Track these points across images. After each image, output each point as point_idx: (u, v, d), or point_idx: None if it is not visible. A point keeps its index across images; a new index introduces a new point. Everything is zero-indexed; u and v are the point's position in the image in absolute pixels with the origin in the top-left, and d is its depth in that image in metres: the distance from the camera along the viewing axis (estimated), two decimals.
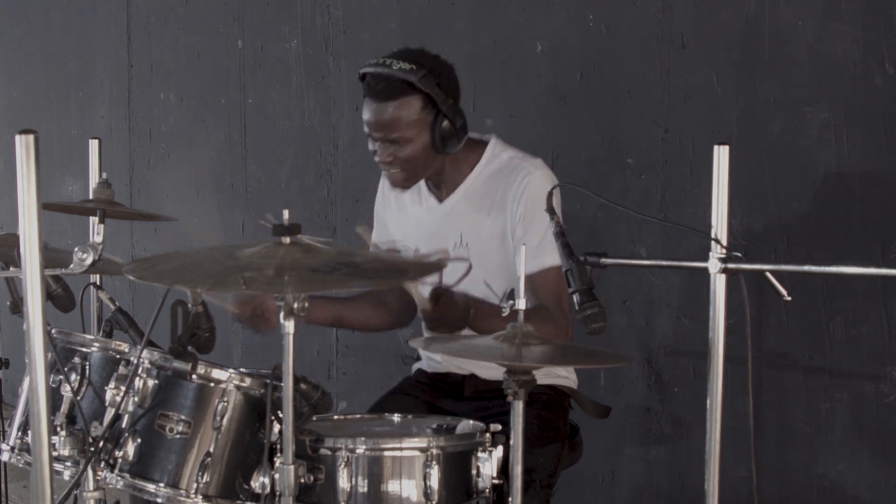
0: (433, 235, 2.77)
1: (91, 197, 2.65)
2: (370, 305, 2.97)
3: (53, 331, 2.33)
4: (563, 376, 2.84)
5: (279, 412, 2.15)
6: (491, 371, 2.75)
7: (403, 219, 2.89)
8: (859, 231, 2.94)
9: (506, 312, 2.26)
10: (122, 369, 2.24)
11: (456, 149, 2.67)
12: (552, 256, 2.56)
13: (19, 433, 2.35)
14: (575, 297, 2.21)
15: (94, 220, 2.51)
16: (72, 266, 2.20)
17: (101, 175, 2.76)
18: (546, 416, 2.68)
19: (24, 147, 1.51)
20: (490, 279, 2.64)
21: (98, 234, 2.46)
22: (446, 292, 2.53)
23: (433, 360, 2.92)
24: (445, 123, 2.61)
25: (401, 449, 2.23)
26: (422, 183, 2.82)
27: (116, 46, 5.48)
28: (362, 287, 2.71)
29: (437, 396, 2.84)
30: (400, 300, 2.90)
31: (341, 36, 4.28)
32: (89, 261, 2.20)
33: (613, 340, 3.31)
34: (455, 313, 2.51)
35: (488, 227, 2.73)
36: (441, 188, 2.81)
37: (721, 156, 2.05)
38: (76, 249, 2.20)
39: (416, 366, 3.01)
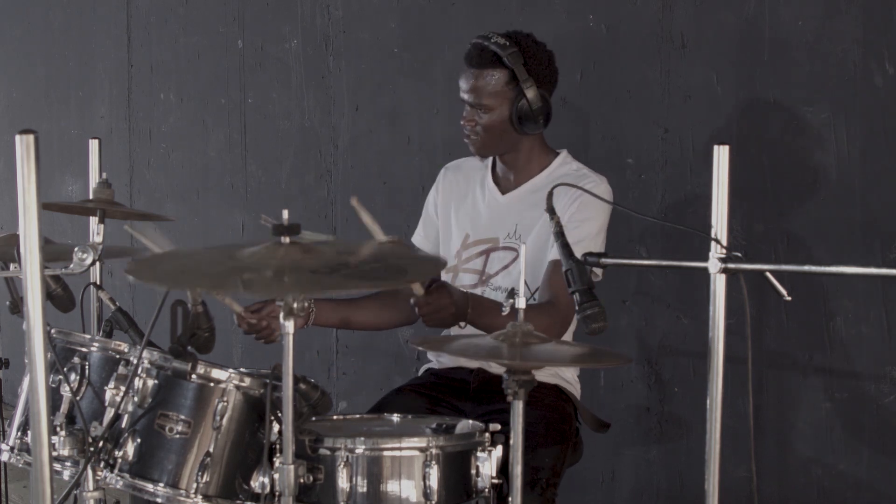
0: (489, 223, 2.91)
1: (91, 197, 2.65)
2: (377, 305, 3.01)
3: (53, 331, 2.33)
4: (568, 381, 2.85)
5: (279, 412, 2.15)
6: (497, 366, 2.76)
7: (465, 207, 2.98)
8: (859, 231, 2.94)
9: (506, 311, 2.26)
10: (121, 369, 2.24)
11: (534, 131, 2.82)
12: (582, 245, 2.64)
13: (19, 433, 2.35)
14: (575, 297, 2.21)
15: (94, 220, 2.51)
16: (72, 266, 2.20)
17: (101, 175, 2.76)
18: (552, 417, 2.70)
19: (24, 147, 1.51)
20: (528, 276, 2.66)
21: (98, 234, 2.46)
22: (442, 284, 2.55)
23: (441, 354, 2.93)
24: (523, 102, 2.77)
25: (400, 449, 2.23)
26: (488, 174, 2.96)
27: (116, 46, 5.48)
28: (361, 289, 2.71)
29: (442, 394, 2.85)
30: (407, 298, 2.92)
31: (341, 36, 4.28)
32: (89, 261, 2.20)
33: (613, 340, 3.31)
34: (450, 305, 2.54)
35: (540, 225, 2.80)
36: (507, 181, 2.92)
37: (721, 156, 2.05)
38: (76, 249, 2.20)
39: (426, 366, 3.01)
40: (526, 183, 2.90)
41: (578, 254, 2.58)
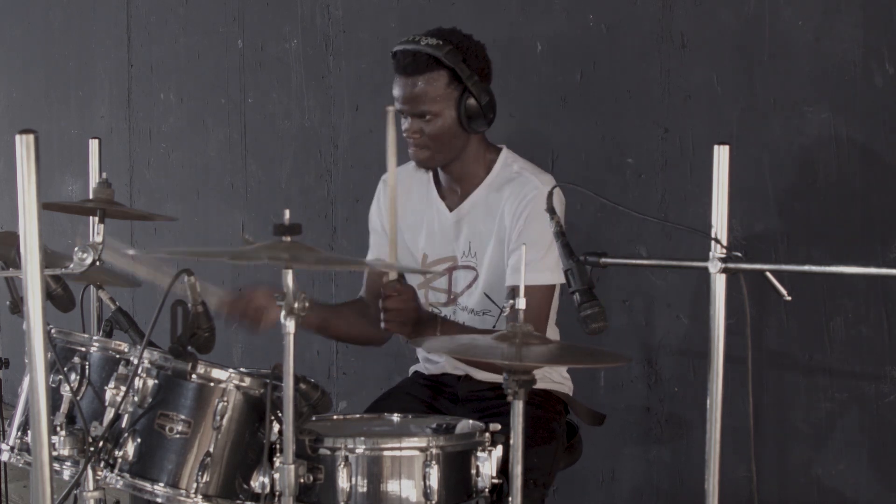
0: (443, 241, 2.80)
1: (91, 197, 2.64)
2: (354, 314, 2.92)
3: (53, 330, 2.33)
4: (557, 382, 2.84)
5: (279, 412, 2.15)
6: (485, 372, 2.75)
7: (415, 225, 2.86)
8: (859, 231, 2.94)
9: (506, 313, 2.25)
10: (121, 369, 2.24)
11: (483, 128, 2.69)
12: (543, 275, 2.60)
13: (19, 433, 2.35)
14: (575, 297, 2.21)
15: (94, 219, 2.51)
16: (71, 266, 2.20)
17: (101, 175, 2.76)
18: (540, 415, 2.68)
19: (24, 147, 1.51)
20: (490, 291, 2.66)
21: (98, 234, 2.46)
22: (405, 286, 2.57)
23: (430, 360, 2.92)
24: (471, 100, 2.65)
25: (400, 449, 2.23)
26: (432, 189, 2.83)
27: (116, 46, 5.48)
28: (349, 267, 2.75)
29: (434, 397, 2.85)
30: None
31: (341, 36, 4.28)
32: (89, 261, 2.19)
33: (613, 340, 3.31)
34: (415, 308, 2.54)
35: (493, 237, 2.73)
36: (453, 192, 2.80)
37: (721, 156, 2.05)
38: (76, 249, 2.20)
39: (413, 368, 3.01)
40: (471, 195, 2.76)
41: (537, 272, 2.55)
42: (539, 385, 2.74)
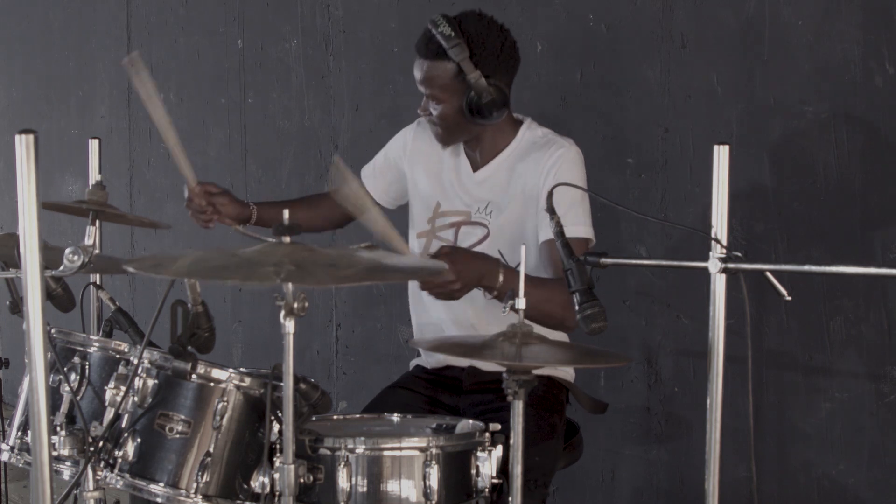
0: (461, 196, 2.85)
1: (85, 199, 2.64)
2: (306, 207, 3.11)
3: (53, 330, 2.33)
4: (560, 369, 2.85)
5: (279, 412, 2.15)
6: (490, 363, 2.76)
7: (435, 173, 2.92)
8: (859, 231, 2.94)
9: (505, 312, 2.24)
10: (121, 369, 2.24)
11: (489, 122, 2.73)
12: (577, 228, 2.65)
13: (19, 433, 2.35)
14: (575, 297, 2.21)
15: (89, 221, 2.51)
16: (62, 268, 2.19)
17: (100, 175, 2.76)
18: (542, 413, 2.68)
19: (24, 147, 1.51)
20: (504, 249, 2.65)
21: (89, 236, 2.46)
22: (455, 247, 2.62)
23: (431, 354, 2.92)
24: (473, 95, 2.67)
25: (400, 449, 2.23)
26: (461, 146, 2.89)
27: (116, 46, 5.48)
28: (381, 280, 2.79)
29: (436, 391, 2.85)
30: (332, 209, 3.05)
31: (341, 36, 4.28)
32: (79, 263, 2.19)
33: (613, 340, 3.31)
34: (473, 260, 2.52)
35: (516, 197, 2.77)
36: (478, 157, 2.86)
37: (721, 156, 2.05)
38: (67, 251, 2.19)
39: (414, 362, 3.01)
40: (496, 158, 2.83)
41: (570, 224, 2.55)
42: (542, 371, 2.76)
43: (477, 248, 2.78)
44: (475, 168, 2.86)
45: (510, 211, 2.78)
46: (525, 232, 2.75)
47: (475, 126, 2.75)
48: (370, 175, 3.08)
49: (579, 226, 2.69)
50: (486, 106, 2.67)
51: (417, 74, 2.74)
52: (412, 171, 2.97)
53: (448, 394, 2.84)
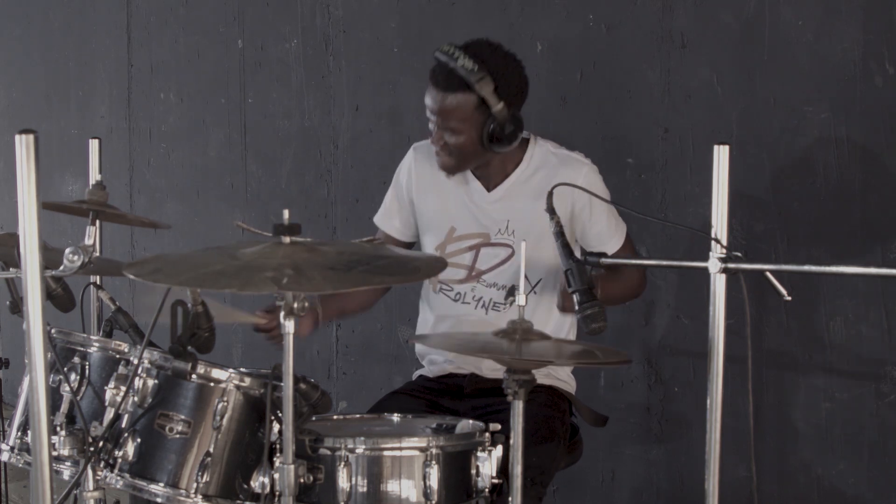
0: (478, 217, 2.84)
1: (85, 199, 2.64)
2: (343, 298, 3.00)
3: (53, 330, 2.33)
4: (562, 380, 2.85)
5: (279, 412, 2.15)
6: (491, 370, 2.76)
7: (444, 197, 2.88)
8: (859, 231, 2.94)
9: (506, 309, 2.25)
10: (121, 369, 2.24)
11: (505, 150, 2.73)
12: (621, 232, 2.80)
13: (19, 433, 2.35)
14: (575, 297, 2.21)
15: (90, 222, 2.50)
16: (62, 268, 2.19)
17: (100, 175, 2.76)
18: (544, 414, 2.68)
19: (24, 147, 1.51)
20: (528, 271, 2.64)
21: (89, 236, 2.45)
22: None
23: (434, 363, 2.92)
24: (494, 126, 2.66)
25: (400, 449, 2.23)
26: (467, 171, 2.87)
27: (116, 46, 5.48)
28: (380, 284, 2.77)
29: (438, 397, 2.85)
30: (364, 294, 3.03)
31: (341, 36, 4.28)
32: (79, 263, 2.19)
33: (613, 340, 3.31)
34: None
35: (538, 214, 2.73)
36: (489, 179, 2.84)
37: (721, 156, 2.05)
38: (67, 251, 2.19)
39: (417, 372, 3.00)
40: (509, 177, 2.81)
41: (617, 233, 2.77)
42: (545, 381, 2.76)
43: (499, 269, 2.80)
44: (489, 188, 2.84)
45: (531, 229, 2.74)
46: (546, 253, 2.70)
47: (489, 154, 2.74)
48: (385, 218, 3.01)
49: (621, 229, 2.81)
50: (508, 136, 2.68)
51: (433, 105, 2.70)
52: (420, 198, 2.93)
53: (449, 398, 2.84)
